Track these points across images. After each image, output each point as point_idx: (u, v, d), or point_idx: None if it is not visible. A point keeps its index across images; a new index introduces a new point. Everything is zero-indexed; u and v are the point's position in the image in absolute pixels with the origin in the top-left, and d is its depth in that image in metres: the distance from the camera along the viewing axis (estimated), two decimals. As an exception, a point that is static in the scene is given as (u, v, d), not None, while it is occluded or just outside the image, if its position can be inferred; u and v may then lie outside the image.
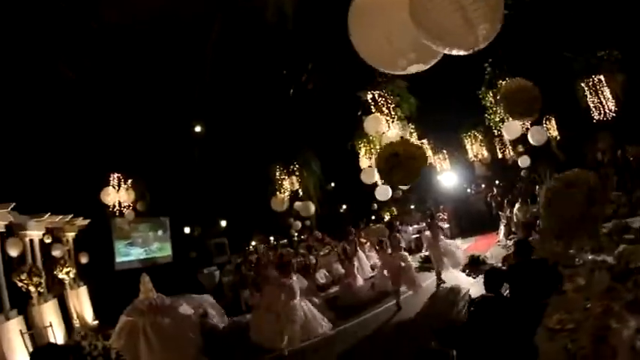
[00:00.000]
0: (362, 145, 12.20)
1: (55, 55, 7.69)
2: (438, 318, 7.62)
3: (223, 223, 16.62)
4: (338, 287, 11.26)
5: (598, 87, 10.96)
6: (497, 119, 11.19)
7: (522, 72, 10.25)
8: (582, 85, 11.20)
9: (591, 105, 11.05)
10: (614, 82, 11.03)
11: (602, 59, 11.00)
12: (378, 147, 11.95)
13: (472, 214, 18.07)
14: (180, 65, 10.25)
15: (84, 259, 11.70)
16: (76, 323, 10.26)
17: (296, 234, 17.03)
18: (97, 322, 10.87)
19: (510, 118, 9.41)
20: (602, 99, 10.92)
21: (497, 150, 15.80)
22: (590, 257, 5.81)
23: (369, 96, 9.26)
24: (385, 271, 10.53)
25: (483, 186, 19.73)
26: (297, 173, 13.32)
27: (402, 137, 7.77)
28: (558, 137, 13.73)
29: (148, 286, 8.15)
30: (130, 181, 11.00)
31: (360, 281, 10.83)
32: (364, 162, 12.30)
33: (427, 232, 11.97)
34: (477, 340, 3.02)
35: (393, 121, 9.02)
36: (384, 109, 9.10)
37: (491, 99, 10.98)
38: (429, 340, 6.20)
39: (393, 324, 8.37)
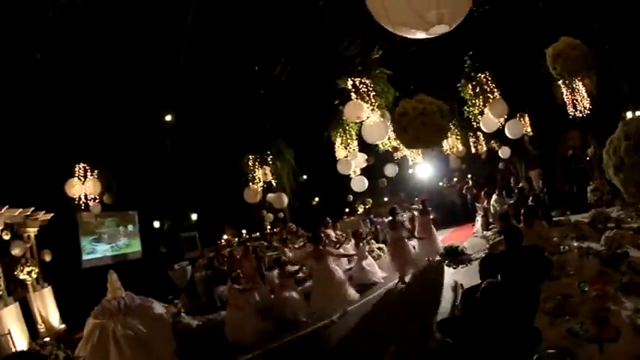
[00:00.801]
0: (338, 135, 12.20)
1: (16, 34, 7.22)
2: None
3: (194, 217, 16.21)
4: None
5: (574, 85, 11.16)
6: (477, 112, 11.33)
7: (499, 68, 10.61)
8: (559, 82, 11.43)
9: (567, 102, 11.27)
10: (589, 81, 11.33)
11: None
12: (354, 137, 12.09)
13: (446, 206, 18.40)
14: (151, 51, 9.88)
15: (47, 258, 10.93)
16: (41, 328, 9.59)
17: (269, 227, 16.89)
18: (63, 325, 10.23)
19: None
20: (577, 97, 11.17)
21: (471, 144, 16.25)
22: (575, 244, 6.01)
23: (350, 83, 9.17)
24: (363, 263, 10.68)
25: (456, 179, 20.22)
26: (270, 163, 13.14)
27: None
28: (531, 133, 14.11)
29: (115, 284, 7.66)
30: (96, 171, 10.35)
31: (338, 272, 10.56)
32: (340, 152, 12.31)
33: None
34: (486, 327, 3.01)
35: (373, 109, 8.98)
36: (365, 96, 9.02)
37: (470, 92, 11.06)
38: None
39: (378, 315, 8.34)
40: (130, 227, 13.56)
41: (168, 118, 12.09)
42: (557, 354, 3.01)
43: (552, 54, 5.54)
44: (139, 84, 10.55)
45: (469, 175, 19.15)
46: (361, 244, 11.38)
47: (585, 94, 11.04)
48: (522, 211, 7.29)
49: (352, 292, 8.98)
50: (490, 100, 10.46)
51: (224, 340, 8.01)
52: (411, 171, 20.10)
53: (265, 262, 12.25)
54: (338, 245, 11.54)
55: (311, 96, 12.31)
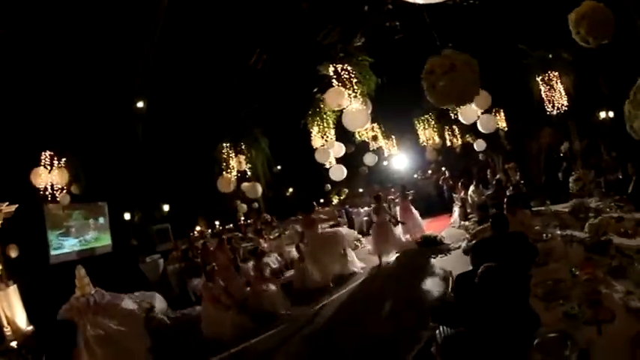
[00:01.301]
0: (315, 123, 12.14)
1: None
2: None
3: (166, 208, 15.86)
4: (293, 271, 10.98)
5: (552, 83, 11.53)
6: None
7: (480, 61, 10.72)
8: (537, 79, 11.75)
9: (545, 99, 11.61)
10: (566, 79, 11.71)
11: (558, 56, 11.63)
12: (332, 126, 12.07)
13: (422, 197, 18.61)
14: (123, 34, 9.49)
15: (13, 253, 10.06)
16: (7, 330, 8.99)
17: (242, 218, 16.71)
18: (31, 327, 9.43)
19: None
20: (554, 94, 11.51)
21: (447, 137, 16.76)
22: (558, 232, 6.19)
23: (332, 69, 9.10)
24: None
25: (430, 172, 20.55)
26: (245, 152, 12.95)
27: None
28: (506, 128, 14.49)
29: (84, 280, 7.42)
30: (63, 159, 9.98)
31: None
32: (317, 141, 12.27)
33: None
34: (485, 312, 3.02)
35: (355, 96, 8.95)
36: (347, 83, 8.98)
37: None
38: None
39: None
40: (100, 220, 13.05)
41: (140, 104, 11.67)
42: (558, 337, 3.06)
43: (575, 18, 5.45)
44: (110, 68, 10.14)
45: (442, 168, 19.49)
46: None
47: (563, 92, 11.40)
48: (505, 199, 7.43)
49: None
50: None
51: (200, 336, 7.74)
52: (385, 162, 20.53)
53: (240, 254, 12.11)
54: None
55: (288, 84, 12.20)
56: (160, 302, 9.57)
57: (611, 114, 14.22)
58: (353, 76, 9.14)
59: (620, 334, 3.08)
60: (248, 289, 9.37)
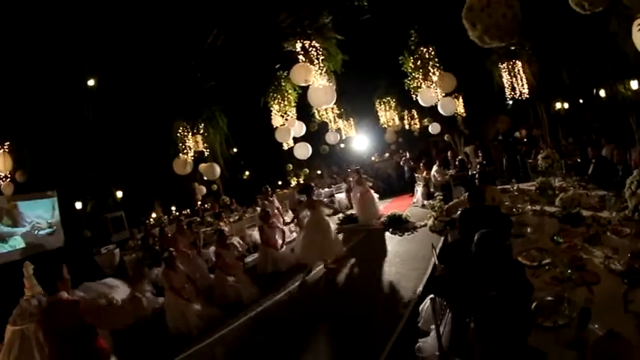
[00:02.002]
0: (276, 102, 12.04)
1: None
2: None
3: (119, 194, 15.22)
4: (257, 255, 10.76)
5: (515, 71, 12.26)
6: (415, 85, 11.79)
7: (444, 48, 11.09)
8: (501, 66, 12.40)
9: (507, 86, 12.31)
10: (528, 69, 12.35)
11: (523, 47, 12.17)
12: (293, 104, 12.04)
13: (382, 178, 18.99)
14: (71, 6, 8.93)
15: None
16: None
17: (199, 202, 16.39)
18: None
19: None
20: (517, 82, 12.24)
21: (406, 120, 17.50)
22: (528, 207, 6.55)
23: (299, 45, 9.01)
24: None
25: (387, 155, 20.97)
26: (202, 132, 12.65)
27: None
28: (464, 114, 15.10)
29: (33, 279, 6.45)
30: (6, 144, 9.28)
31: (281, 247, 10.34)
32: (277, 120, 12.19)
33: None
34: (483, 280, 3.14)
35: (322, 73, 8.93)
36: (314, 59, 8.93)
37: (411, 65, 11.55)
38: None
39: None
40: (49, 210, 12.37)
41: (90, 82, 11.03)
42: (555, 299, 3.24)
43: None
44: (57, 44, 9.53)
45: (400, 151, 19.99)
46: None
47: (525, 81, 12.12)
48: (477, 175, 7.70)
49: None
50: (430, 75, 11.03)
51: (165, 330, 7.25)
52: (342, 145, 20.83)
53: (201, 239, 11.76)
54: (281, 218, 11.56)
55: (247, 61, 11.97)
56: (123, 293, 9.08)
57: (566, 105, 15.57)
58: (320, 52, 9.10)
59: (608, 293, 3.36)
60: (212, 276, 9.11)
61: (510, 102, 16.84)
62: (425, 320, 4.87)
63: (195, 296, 7.68)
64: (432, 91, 10.89)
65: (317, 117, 14.59)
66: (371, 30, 11.80)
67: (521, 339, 2.07)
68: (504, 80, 12.35)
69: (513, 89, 12.29)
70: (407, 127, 17.98)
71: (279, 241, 10.32)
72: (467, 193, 5.79)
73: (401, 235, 10.49)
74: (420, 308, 5.19)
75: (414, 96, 11.95)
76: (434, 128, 15.06)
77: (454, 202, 7.53)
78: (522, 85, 12.17)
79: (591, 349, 2.56)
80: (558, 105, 15.74)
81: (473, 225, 4.36)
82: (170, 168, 12.30)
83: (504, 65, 12.26)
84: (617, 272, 3.66)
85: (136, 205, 15.41)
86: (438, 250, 5.36)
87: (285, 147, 13.53)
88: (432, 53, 11.16)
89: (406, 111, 17.58)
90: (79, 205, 13.82)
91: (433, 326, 4.40)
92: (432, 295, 4.62)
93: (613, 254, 4.07)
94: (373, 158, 21.82)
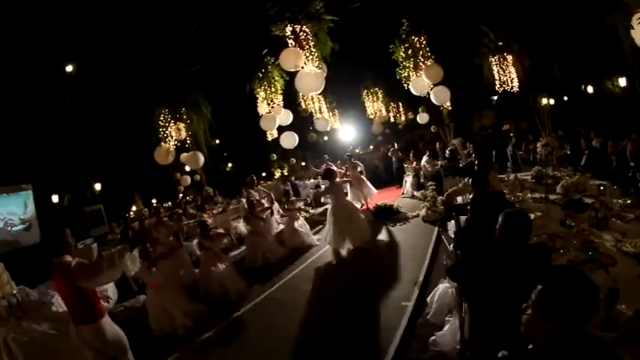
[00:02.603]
0: (262, 89, 11.91)
1: None
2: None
3: (98, 187, 14.83)
4: (244, 247, 10.40)
5: (505, 66, 12.60)
6: (406, 74, 11.91)
7: (433, 39, 11.20)
8: (492, 59, 12.73)
9: (497, 79, 12.67)
10: (519, 63, 12.74)
11: (514, 41, 12.61)
12: (279, 92, 11.93)
13: (369, 169, 19.02)
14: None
15: None
16: None
17: (181, 195, 16.13)
18: None
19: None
20: (506, 77, 12.60)
21: (392, 112, 18.06)
22: (528, 195, 6.64)
23: (289, 29, 8.87)
24: (295, 224, 10.56)
25: (372, 147, 21.07)
26: (185, 119, 12.40)
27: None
28: (450, 107, 15.46)
29: (2, 278, 6.10)
30: None
31: (269, 238, 10.18)
32: (263, 108, 12.07)
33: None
34: (509, 258, 3.13)
35: (312, 58, 8.82)
36: (304, 44, 8.82)
37: (402, 54, 11.67)
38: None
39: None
40: (21, 206, 11.96)
41: (68, 68, 10.60)
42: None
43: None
44: (33, 27, 9.13)
45: (389, 146, 20.21)
46: (291, 204, 11.12)
47: (515, 75, 12.47)
48: (477, 162, 7.77)
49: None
50: (421, 64, 11.15)
51: (148, 332, 6.55)
52: (326, 138, 20.90)
53: (183, 232, 11.52)
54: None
55: (234, 46, 11.79)
56: (113, 293, 8.55)
57: (552, 101, 16.02)
58: (310, 38, 8.98)
59: (625, 274, 3.46)
60: (196, 270, 8.63)
61: (495, 98, 18.42)
62: (436, 312, 4.81)
63: (179, 292, 7.16)
64: (423, 80, 10.93)
65: (302, 105, 14.49)
66: (360, 19, 11.83)
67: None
68: (495, 73, 12.66)
69: (502, 83, 12.57)
70: (392, 119, 18.42)
71: (268, 232, 10.17)
72: (470, 180, 5.78)
73: (393, 226, 10.44)
74: (429, 299, 5.15)
75: (405, 85, 12.03)
76: (422, 118, 15.08)
77: (453, 189, 7.55)
78: (512, 79, 12.48)
79: (622, 328, 2.56)
80: (544, 100, 16.21)
81: (486, 208, 4.36)
82: (151, 158, 12.05)
83: (495, 58, 12.54)
84: (631, 254, 3.77)
85: (116, 198, 15.05)
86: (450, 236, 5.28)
87: (270, 138, 13.44)
88: (424, 43, 11.30)
89: (392, 103, 17.99)
90: (55, 198, 13.36)
91: (450, 317, 4.37)
92: (445, 285, 4.61)
93: (622, 238, 4.15)
94: (357, 150, 21.87)
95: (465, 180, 7.44)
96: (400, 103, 18.63)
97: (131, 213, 15.39)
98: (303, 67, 8.74)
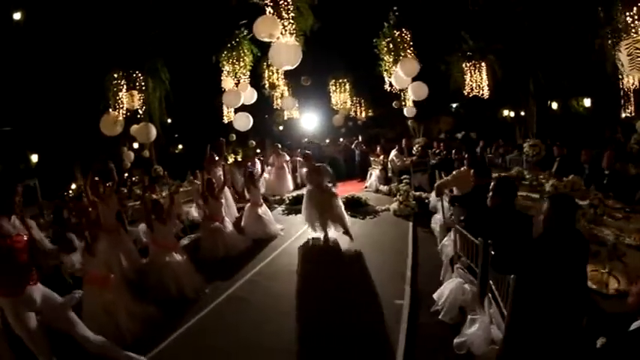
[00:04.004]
0: (230, 61, 11.66)
1: None
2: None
3: (34, 158, 13.75)
4: (200, 234, 9.45)
5: (476, 73, 13.39)
6: (386, 67, 12.46)
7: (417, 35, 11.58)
8: (464, 65, 13.51)
9: (468, 85, 13.49)
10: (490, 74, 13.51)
11: (489, 51, 13.33)
12: (248, 67, 11.72)
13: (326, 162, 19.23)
14: None
15: None
16: None
17: (126, 174, 15.35)
18: None
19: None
20: (477, 84, 13.41)
21: (353, 106, 18.92)
22: (525, 193, 7.01)
23: (269, -4, 8.60)
24: (259, 211, 10.05)
25: (328, 141, 21.25)
26: (141, 85, 11.84)
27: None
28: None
29: None
30: None
31: (228, 224, 9.41)
32: (228, 82, 11.85)
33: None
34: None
35: (289, 30, 8.64)
36: (283, 14, 8.63)
37: (385, 47, 12.12)
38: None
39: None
40: None
41: (17, 16, 9.73)
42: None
43: None
44: None
45: (347, 139, 20.63)
46: (254, 188, 10.34)
47: (485, 83, 13.32)
48: (466, 156, 8.05)
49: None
50: (401, 59, 11.52)
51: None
52: (281, 127, 20.94)
53: (128, 215, 10.36)
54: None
55: (205, 11, 11.40)
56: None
57: (512, 114, 18.05)
58: (291, 9, 8.81)
59: (634, 264, 3.95)
60: (144, 260, 7.68)
61: (455, 105, 20.91)
62: (448, 309, 4.81)
63: (123, 289, 6.03)
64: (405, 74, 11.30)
65: (267, 88, 14.29)
66: (345, 6, 11.88)
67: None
68: (467, 79, 13.39)
69: (471, 90, 13.37)
70: (353, 113, 19.27)
71: (226, 218, 9.43)
72: (471, 170, 6.11)
73: (362, 219, 10.48)
74: (436, 296, 5.11)
75: (386, 78, 12.29)
76: (409, 112, 15.27)
77: (444, 180, 7.73)
78: (482, 86, 13.29)
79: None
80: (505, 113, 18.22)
81: (510, 192, 4.47)
82: (97, 127, 11.41)
83: (469, 65, 13.34)
84: (634, 246, 4.34)
85: (54, 173, 13.95)
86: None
87: (226, 120, 13.18)
88: (407, 37, 11.78)
89: (356, 97, 18.85)
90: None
91: (475, 315, 4.26)
92: (458, 280, 4.67)
93: (621, 233, 4.70)
94: (306, 139, 22.07)
95: (454, 173, 7.60)
96: (362, 100, 19.38)
97: (70, 192, 14.18)
98: (278, 38, 8.54)
